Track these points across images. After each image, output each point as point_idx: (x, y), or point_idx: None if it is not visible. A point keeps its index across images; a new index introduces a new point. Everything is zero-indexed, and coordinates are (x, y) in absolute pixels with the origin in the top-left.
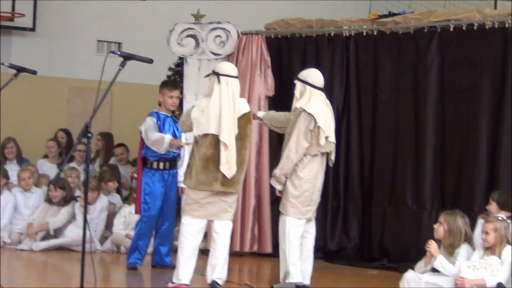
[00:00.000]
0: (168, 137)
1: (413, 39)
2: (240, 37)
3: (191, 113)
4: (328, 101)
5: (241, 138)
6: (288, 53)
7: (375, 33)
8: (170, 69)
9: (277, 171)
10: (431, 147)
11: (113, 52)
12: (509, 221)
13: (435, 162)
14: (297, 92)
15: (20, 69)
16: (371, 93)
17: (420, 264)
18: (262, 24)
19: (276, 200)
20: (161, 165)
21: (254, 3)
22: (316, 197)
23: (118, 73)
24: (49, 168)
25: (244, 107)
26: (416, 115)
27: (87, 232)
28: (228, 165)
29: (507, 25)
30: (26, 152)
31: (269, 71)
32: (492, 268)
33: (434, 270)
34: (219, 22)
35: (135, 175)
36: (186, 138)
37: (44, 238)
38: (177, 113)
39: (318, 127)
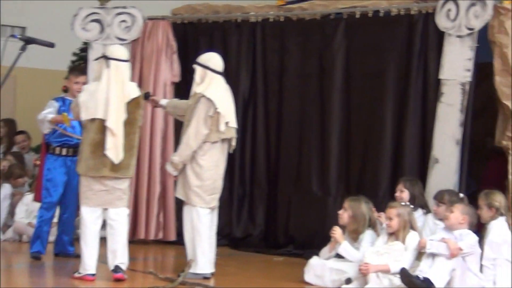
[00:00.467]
0: (49, 115)
1: (320, 25)
2: (146, 22)
3: (79, 98)
4: (228, 86)
5: (129, 123)
6: (195, 39)
7: (281, 20)
8: (74, 54)
9: (175, 158)
10: (336, 133)
11: (13, 36)
12: (412, 206)
13: (340, 148)
14: (197, 77)
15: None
16: (278, 80)
17: (325, 250)
18: (168, 9)
19: None
20: (64, 151)
21: None
22: (219, 185)
23: (19, 57)
24: None
25: (133, 91)
26: (322, 101)
27: None
28: (114, 150)
29: (412, 12)
30: None
31: (175, 57)
32: (396, 254)
33: (339, 256)
34: (124, 7)
35: (38, 162)
36: None
37: None
38: None
39: (218, 112)
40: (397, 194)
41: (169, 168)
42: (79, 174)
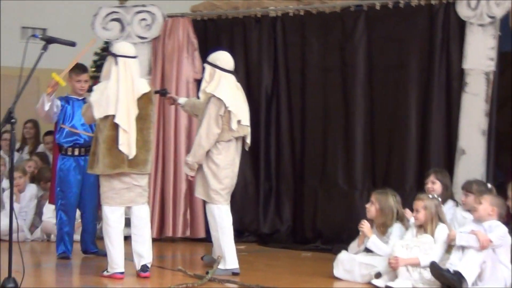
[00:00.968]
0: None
1: (340, 18)
2: (166, 19)
3: (90, 97)
4: (239, 84)
5: (142, 118)
6: (215, 35)
7: (301, 13)
8: (96, 54)
9: (189, 159)
10: (360, 126)
11: (34, 36)
12: (440, 199)
13: (365, 141)
14: (206, 75)
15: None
16: (300, 74)
17: (354, 245)
18: (188, 6)
19: None
20: (76, 151)
21: None
22: (235, 182)
23: (41, 57)
24: None
25: (143, 87)
26: (345, 94)
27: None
28: (127, 145)
29: (432, 2)
30: None
31: (197, 54)
32: (425, 247)
33: (368, 250)
34: (144, 5)
35: None
36: None
37: None
38: None
39: (229, 111)
40: (429, 185)
41: (185, 169)
42: (99, 175)
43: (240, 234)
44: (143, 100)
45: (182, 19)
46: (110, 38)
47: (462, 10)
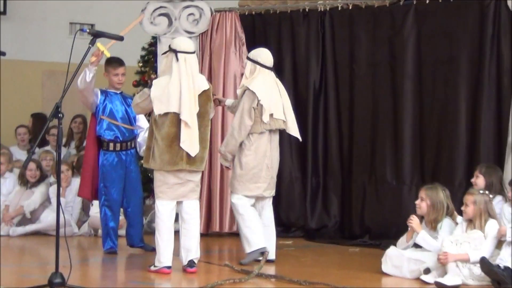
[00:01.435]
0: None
1: (389, 12)
2: (214, 14)
3: (151, 93)
4: (278, 80)
5: (201, 116)
6: (263, 29)
7: (350, 7)
8: (143, 49)
9: (222, 148)
10: (409, 121)
11: (82, 30)
12: (491, 195)
13: (414, 136)
14: (247, 71)
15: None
16: (348, 69)
17: (402, 240)
18: (235, 1)
19: None
20: (118, 146)
21: None
22: (266, 174)
23: (88, 51)
24: (21, 155)
25: (203, 84)
26: (394, 89)
27: (62, 216)
28: (189, 142)
29: None
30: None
31: (244, 48)
32: (475, 243)
33: (417, 246)
34: (191, 0)
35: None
36: None
37: (20, 222)
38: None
39: (261, 105)
40: (473, 179)
41: (220, 159)
42: (154, 170)
43: (287, 229)
44: (203, 97)
45: (229, 13)
46: (157, 33)
47: None
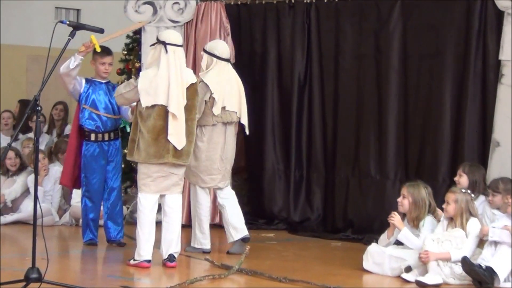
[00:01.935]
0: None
1: (375, 5)
2: (199, 4)
3: (138, 84)
4: (234, 72)
5: (188, 109)
6: (248, 20)
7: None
8: (128, 37)
9: None
10: (394, 115)
11: (61, 22)
12: (473, 195)
13: (398, 130)
14: (203, 64)
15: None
16: (333, 61)
17: (383, 237)
18: None
19: (237, 171)
20: (99, 137)
21: None
22: (220, 166)
23: (68, 43)
24: (3, 141)
25: (191, 77)
26: (379, 82)
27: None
28: (177, 136)
29: None
30: None
31: (229, 39)
32: (457, 241)
33: (398, 243)
34: None
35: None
36: None
37: (1, 211)
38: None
39: (213, 98)
40: (456, 178)
41: None
42: (138, 163)
43: (270, 222)
44: (190, 91)
45: (215, 3)
46: (142, 22)
47: (500, 0)
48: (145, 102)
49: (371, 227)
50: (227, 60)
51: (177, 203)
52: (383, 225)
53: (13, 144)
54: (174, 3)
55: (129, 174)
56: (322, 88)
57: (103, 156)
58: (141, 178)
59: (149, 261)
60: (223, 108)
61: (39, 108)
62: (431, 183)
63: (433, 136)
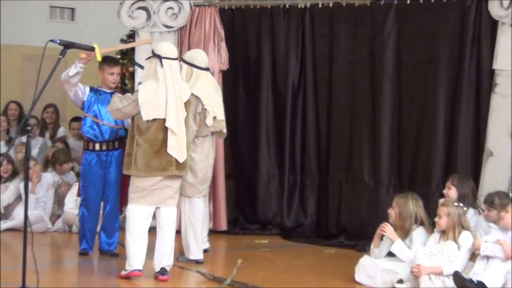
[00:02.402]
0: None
1: (370, 11)
2: (193, 9)
3: (139, 98)
4: (214, 79)
5: (186, 122)
6: (242, 25)
7: (330, 5)
8: (122, 41)
9: None
10: (388, 121)
11: (52, 41)
12: (465, 208)
13: (392, 137)
14: (183, 73)
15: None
16: (327, 67)
17: (373, 248)
18: None
19: (230, 175)
20: (97, 146)
21: None
22: (210, 174)
23: (58, 62)
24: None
25: (187, 90)
26: (373, 89)
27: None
28: (177, 148)
29: None
30: None
31: (223, 44)
32: (449, 254)
33: (390, 255)
34: None
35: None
36: None
37: None
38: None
39: (205, 109)
40: (445, 191)
41: None
42: (134, 176)
43: (263, 227)
44: (186, 104)
45: (209, 8)
46: (136, 27)
47: (494, 9)
48: (147, 115)
49: (364, 233)
50: (207, 69)
51: (171, 216)
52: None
53: (6, 149)
54: (168, 8)
55: None
56: (316, 94)
57: (100, 165)
58: (135, 191)
59: (140, 270)
60: (214, 118)
61: (29, 128)
62: (425, 190)
63: (426, 143)
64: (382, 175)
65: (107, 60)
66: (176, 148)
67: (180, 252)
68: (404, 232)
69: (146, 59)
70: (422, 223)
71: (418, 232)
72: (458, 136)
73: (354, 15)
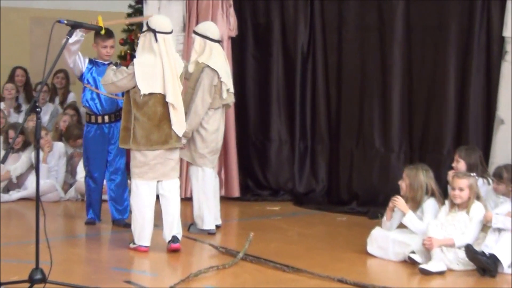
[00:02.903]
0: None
1: None
2: None
3: (135, 71)
4: (224, 52)
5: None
6: None
7: None
8: (130, 6)
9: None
10: (398, 87)
11: (59, 22)
12: (477, 177)
13: (402, 103)
14: (197, 46)
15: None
16: (336, 32)
17: (385, 221)
18: None
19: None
20: (99, 119)
21: None
22: (220, 146)
23: (66, 43)
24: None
25: (181, 63)
26: (382, 54)
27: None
28: (179, 123)
29: None
30: None
31: (232, 10)
32: (460, 225)
33: (402, 226)
34: None
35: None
36: None
37: (7, 187)
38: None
39: (222, 82)
40: (454, 164)
41: None
42: (135, 151)
43: (275, 193)
44: (180, 77)
45: None
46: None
47: None
48: (144, 89)
49: (375, 200)
50: (219, 41)
51: (175, 187)
52: (388, 198)
53: (17, 117)
54: None
55: None
56: (326, 59)
57: (102, 138)
58: (138, 166)
59: (147, 246)
60: (227, 90)
61: (39, 109)
62: (436, 156)
63: (437, 109)
64: (393, 141)
65: (101, 33)
66: (178, 123)
67: (191, 222)
68: (415, 204)
69: (141, 32)
70: (433, 194)
71: (429, 203)
72: (469, 102)
73: None
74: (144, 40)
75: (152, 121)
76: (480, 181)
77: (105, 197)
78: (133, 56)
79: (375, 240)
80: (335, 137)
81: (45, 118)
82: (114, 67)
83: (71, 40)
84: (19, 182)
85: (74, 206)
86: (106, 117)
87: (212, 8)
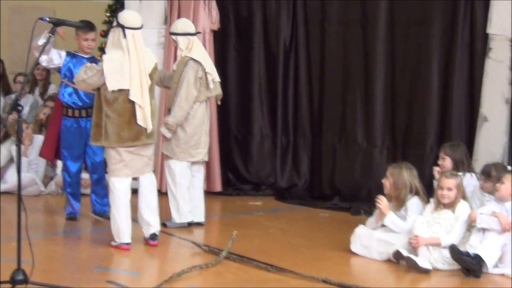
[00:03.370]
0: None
1: None
2: None
3: (104, 68)
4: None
5: (150, 89)
6: None
7: None
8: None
9: (169, 119)
10: (381, 82)
11: (41, 19)
12: (461, 173)
13: (385, 97)
14: (182, 45)
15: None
16: (319, 26)
17: (371, 220)
18: None
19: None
20: (76, 113)
21: None
22: (205, 140)
23: (49, 40)
24: None
25: (151, 59)
26: (365, 49)
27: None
28: (144, 120)
29: None
30: None
31: (214, 3)
32: (446, 224)
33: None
34: None
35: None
36: None
37: None
38: None
39: (206, 72)
40: (440, 162)
41: (164, 131)
42: (108, 148)
43: (257, 188)
44: (152, 71)
45: None
46: None
47: None
48: (112, 86)
49: (358, 195)
50: (195, 34)
51: (151, 181)
52: (370, 193)
53: None
54: None
55: None
56: (308, 53)
57: (80, 132)
58: (113, 162)
59: (128, 243)
60: (213, 80)
61: (21, 107)
62: (419, 152)
63: (420, 105)
64: (376, 136)
65: (82, 26)
66: (143, 118)
67: (167, 218)
68: (399, 203)
69: (111, 27)
70: (417, 193)
71: (413, 202)
72: (452, 99)
73: None
74: (113, 36)
75: (123, 117)
76: (468, 175)
77: (87, 191)
78: None
79: (358, 238)
80: (318, 132)
81: (25, 109)
82: (88, 63)
83: (40, 43)
84: None
85: (54, 200)
86: (84, 111)
87: (194, 0)
